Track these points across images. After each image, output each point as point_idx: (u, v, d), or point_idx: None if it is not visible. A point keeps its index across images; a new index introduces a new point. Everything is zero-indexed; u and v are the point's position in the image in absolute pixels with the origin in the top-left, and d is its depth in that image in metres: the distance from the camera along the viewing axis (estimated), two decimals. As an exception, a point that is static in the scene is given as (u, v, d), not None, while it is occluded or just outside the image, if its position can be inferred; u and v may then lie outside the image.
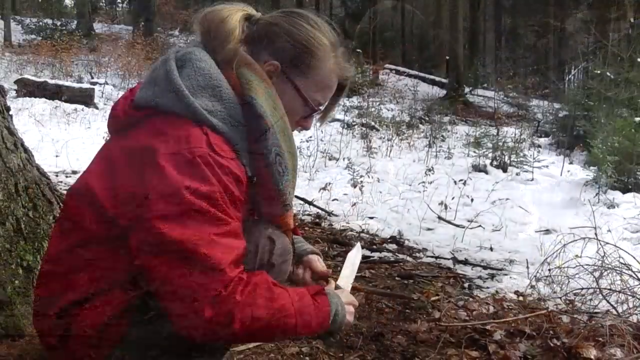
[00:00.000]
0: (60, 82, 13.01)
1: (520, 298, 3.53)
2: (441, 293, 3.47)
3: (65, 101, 12.14)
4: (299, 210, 6.20)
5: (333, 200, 6.88)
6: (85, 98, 12.49)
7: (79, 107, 12.00)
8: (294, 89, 1.61)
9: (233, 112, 1.50)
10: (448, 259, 4.44)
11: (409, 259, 4.41)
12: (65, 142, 8.09)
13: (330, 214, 6.06)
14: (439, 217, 6.06)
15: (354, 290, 2.06)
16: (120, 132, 1.56)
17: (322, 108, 1.70)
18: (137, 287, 1.45)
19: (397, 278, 3.80)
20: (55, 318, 1.46)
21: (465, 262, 4.34)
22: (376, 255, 4.42)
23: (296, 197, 6.69)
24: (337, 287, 1.73)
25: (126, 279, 1.45)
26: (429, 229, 5.64)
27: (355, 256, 1.98)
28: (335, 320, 1.53)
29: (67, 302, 1.45)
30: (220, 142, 1.47)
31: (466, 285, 3.79)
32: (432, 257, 4.54)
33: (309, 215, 6.12)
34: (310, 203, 6.35)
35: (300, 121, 1.67)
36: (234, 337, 1.36)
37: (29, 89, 12.15)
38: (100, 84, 14.48)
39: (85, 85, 13.34)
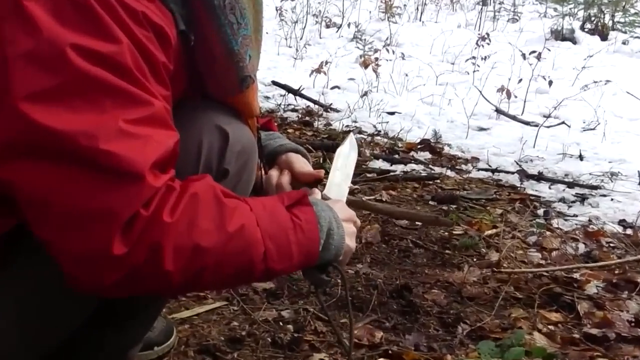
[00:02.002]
0: None
1: (629, 231, 3.52)
2: (501, 224, 3.43)
3: None
4: (279, 105, 6.10)
5: (332, 88, 6.81)
6: None
7: None
8: None
9: None
10: (512, 173, 4.39)
11: (450, 173, 4.38)
12: None
13: (327, 108, 5.96)
14: (498, 111, 5.97)
15: (353, 206, 2.02)
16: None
17: None
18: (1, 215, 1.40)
19: (431, 202, 3.77)
20: None
21: (540, 178, 4.31)
22: (399, 168, 4.37)
23: (274, 83, 6.58)
24: (323, 197, 1.71)
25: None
26: (482, 129, 5.53)
27: (347, 154, 1.97)
28: (330, 244, 1.52)
29: None
30: (130, -28, 1.36)
31: (541, 212, 3.76)
32: (486, 170, 4.48)
33: (294, 111, 6.03)
34: (296, 92, 6.24)
35: None
36: (166, 284, 1.33)
37: None
38: None
39: None
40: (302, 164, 1.88)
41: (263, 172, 1.86)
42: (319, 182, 1.84)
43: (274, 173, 1.87)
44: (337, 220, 1.55)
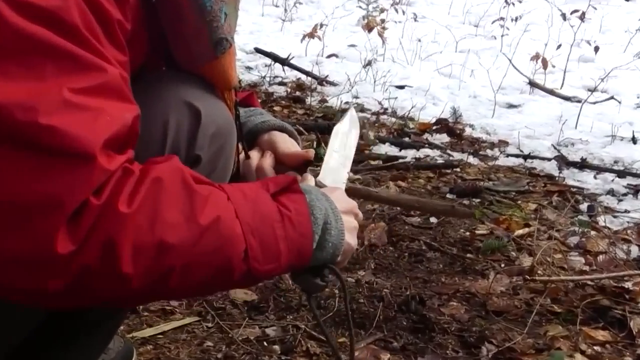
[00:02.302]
0: None
1: (692, 231, 3.50)
2: (535, 222, 3.41)
3: None
4: (263, 77, 6.10)
5: (329, 56, 6.84)
6: None
7: None
8: None
9: None
10: (548, 160, 4.40)
11: (472, 160, 4.38)
12: None
13: (322, 81, 5.98)
14: (532, 84, 5.98)
15: (352, 194, 1.99)
16: None
17: None
18: None
19: (449, 195, 3.77)
20: None
21: (583, 165, 4.31)
22: (410, 154, 4.38)
23: (258, 51, 6.56)
24: (317, 184, 1.71)
25: None
26: (511, 106, 5.55)
27: (347, 132, 1.97)
28: (326, 241, 1.51)
29: None
30: None
31: (584, 207, 3.76)
32: (517, 155, 4.49)
33: (281, 84, 6.03)
34: (284, 62, 6.25)
35: None
36: (124, 291, 1.31)
37: None
38: None
39: None
40: (289, 144, 1.88)
41: (243, 155, 1.84)
42: (310, 165, 1.82)
43: (254, 155, 1.86)
44: (335, 212, 1.54)
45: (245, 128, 1.86)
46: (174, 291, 1.46)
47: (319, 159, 1.87)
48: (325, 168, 1.79)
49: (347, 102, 5.41)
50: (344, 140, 1.92)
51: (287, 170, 1.82)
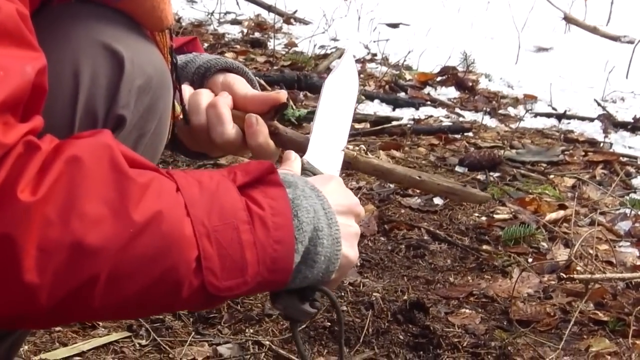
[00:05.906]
0: None
1: None
2: (572, 203, 3.42)
3: None
4: (210, 14, 6.05)
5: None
6: None
7: None
8: None
9: None
10: (590, 120, 4.41)
11: (489, 121, 4.39)
12: None
13: (290, 18, 6.01)
14: (568, 19, 6.02)
15: (347, 168, 1.94)
16: None
17: None
18: None
19: (459, 168, 3.78)
20: None
21: (636, 127, 4.32)
22: (407, 115, 4.38)
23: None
24: (305, 169, 1.68)
25: None
26: (541, 50, 5.58)
27: (341, 88, 1.96)
28: (316, 255, 1.49)
29: None
30: None
31: (637, 181, 3.76)
32: (549, 115, 4.50)
33: (235, 22, 6.04)
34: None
35: None
36: (28, 308, 1.31)
37: None
38: None
39: None
40: (249, 88, 1.89)
41: (179, 111, 1.82)
42: (280, 112, 1.81)
43: (204, 92, 1.86)
44: (329, 214, 1.52)
45: (190, 68, 1.87)
46: (99, 309, 1.42)
47: (285, 123, 1.84)
48: (315, 142, 1.76)
49: (322, 48, 5.39)
50: (338, 100, 1.89)
51: (252, 111, 1.82)
